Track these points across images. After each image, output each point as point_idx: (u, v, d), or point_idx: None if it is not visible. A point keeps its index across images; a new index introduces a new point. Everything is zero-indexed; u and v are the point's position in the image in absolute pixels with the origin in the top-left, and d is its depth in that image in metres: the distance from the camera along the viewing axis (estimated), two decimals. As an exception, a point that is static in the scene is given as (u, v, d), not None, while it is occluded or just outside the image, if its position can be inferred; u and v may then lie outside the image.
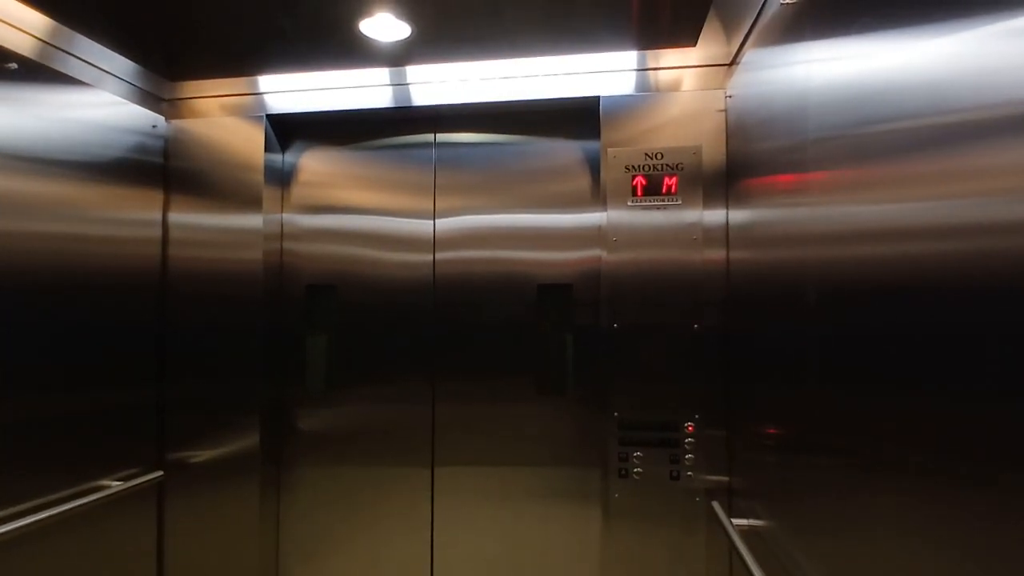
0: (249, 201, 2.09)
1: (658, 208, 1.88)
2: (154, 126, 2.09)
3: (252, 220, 2.09)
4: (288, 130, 2.22)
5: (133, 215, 2.00)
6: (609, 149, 1.92)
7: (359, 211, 2.20)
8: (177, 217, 2.13)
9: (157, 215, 2.11)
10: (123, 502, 1.91)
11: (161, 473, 2.06)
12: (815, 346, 1.12)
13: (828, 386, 1.06)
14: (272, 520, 2.16)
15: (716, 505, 1.75)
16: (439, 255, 2.15)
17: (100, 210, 1.85)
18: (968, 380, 0.66)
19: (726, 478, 1.83)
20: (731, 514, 1.70)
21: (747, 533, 1.54)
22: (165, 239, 2.13)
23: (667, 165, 1.88)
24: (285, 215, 2.22)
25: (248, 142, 2.10)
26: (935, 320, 0.73)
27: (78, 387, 1.77)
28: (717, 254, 1.86)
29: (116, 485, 1.86)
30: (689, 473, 1.84)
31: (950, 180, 0.70)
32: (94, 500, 1.76)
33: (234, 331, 2.09)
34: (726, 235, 1.86)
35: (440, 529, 2.11)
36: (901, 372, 0.81)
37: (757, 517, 1.53)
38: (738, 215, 1.75)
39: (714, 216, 1.87)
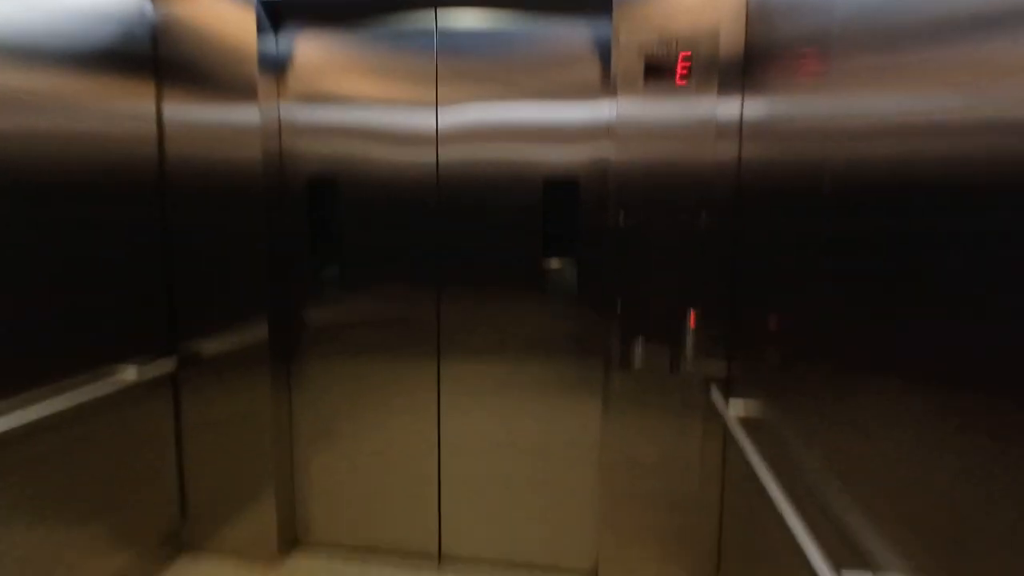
0: (243, 89, 2.01)
1: (670, 97, 1.81)
2: (142, 11, 1.97)
3: (248, 111, 2.02)
4: (280, 12, 2.09)
5: (125, 108, 1.93)
6: (621, 32, 1.82)
7: (358, 101, 2.12)
8: (172, 109, 2.07)
9: (150, 107, 2.04)
10: (140, 391, 2.00)
11: (175, 358, 2.14)
12: (822, 242, 1.12)
13: (831, 283, 1.07)
14: (285, 408, 2.25)
15: (714, 389, 1.81)
16: (443, 130, 2.09)
17: (91, 103, 1.79)
18: (977, 282, 0.66)
19: (725, 369, 1.88)
20: (728, 401, 1.77)
21: (742, 418, 1.61)
22: (161, 134, 2.07)
23: (681, 50, 1.79)
24: (282, 104, 2.15)
25: (239, 26, 2.00)
26: (952, 221, 0.72)
27: (87, 278, 1.79)
28: (729, 146, 1.81)
29: (131, 371, 1.93)
30: (689, 364, 1.89)
31: (986, 71, 0.66)
32: (115, 389, 1.85)
33: (237, 229, 2.09)
34: (739, 127, 1.80)
35: (447, 413, 2.20)
36: (907, 271, 0.81)
37: (753, 402, 1.59)
38: (754, 107, 1.69)
39: (728, 107, 1.80)
